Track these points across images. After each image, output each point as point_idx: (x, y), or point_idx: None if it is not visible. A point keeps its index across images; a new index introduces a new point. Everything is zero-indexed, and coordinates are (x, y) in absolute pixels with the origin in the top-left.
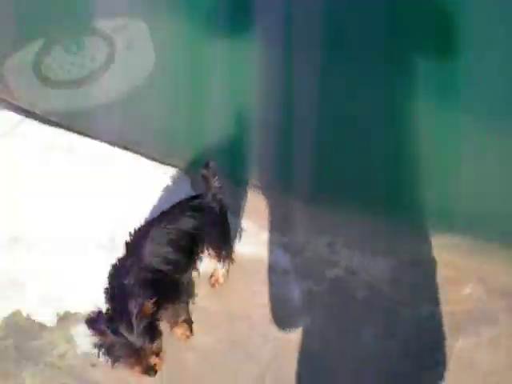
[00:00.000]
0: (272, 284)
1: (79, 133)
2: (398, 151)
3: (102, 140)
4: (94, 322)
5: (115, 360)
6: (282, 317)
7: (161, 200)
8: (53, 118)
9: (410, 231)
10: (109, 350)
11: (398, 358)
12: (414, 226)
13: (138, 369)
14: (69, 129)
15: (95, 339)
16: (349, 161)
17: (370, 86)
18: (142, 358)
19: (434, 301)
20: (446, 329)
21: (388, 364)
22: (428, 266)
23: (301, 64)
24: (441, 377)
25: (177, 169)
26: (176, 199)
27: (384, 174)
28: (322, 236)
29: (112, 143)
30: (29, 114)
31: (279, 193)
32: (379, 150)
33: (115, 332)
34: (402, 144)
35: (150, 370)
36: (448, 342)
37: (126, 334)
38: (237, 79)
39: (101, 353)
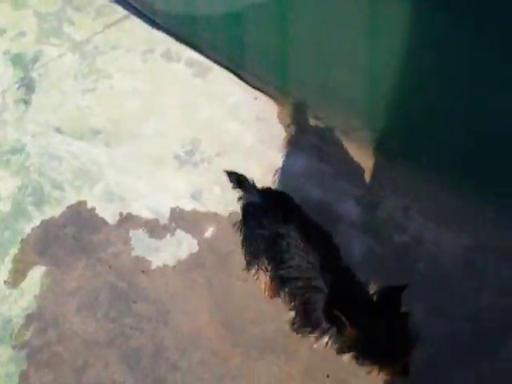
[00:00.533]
0: (336, 233)
1: (181, 40)
2: None
3: (202, 52)
4: None
5: None
6: None
7: (244, 124)
8: (158, 21)
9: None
10: None
11: (441, 341)
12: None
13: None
14: (172, 35)
15: None
16: (453, 125)
17: None
18: None
19: (498, 291)
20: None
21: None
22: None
23: None
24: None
25: (269, 97)
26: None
27: (486, 150)
28: (399, 198)
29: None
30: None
31: (365, 144)
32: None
33: None
34: None
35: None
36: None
37: None
38: None
39: None
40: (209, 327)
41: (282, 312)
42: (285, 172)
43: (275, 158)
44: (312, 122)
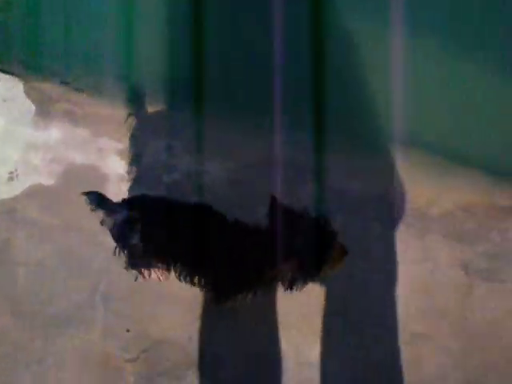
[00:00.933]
0: (107, 191)
1: None
2: None
3: None
4: None
5: None
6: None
7: None
8: None
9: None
10: None
11: None
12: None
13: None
14: None
15: None
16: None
17: None
18: None
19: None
20: None
21: None
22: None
23: None
24: None
25: (10, 75)
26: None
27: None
28: (160, 140)
29: None
30: None
31: (115, 98)
32: None
33: None
34: None
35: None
36: None
37: None
38: None
39: None
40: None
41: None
42: (42, 146)
43: (31, 136)
44: (61, 89)
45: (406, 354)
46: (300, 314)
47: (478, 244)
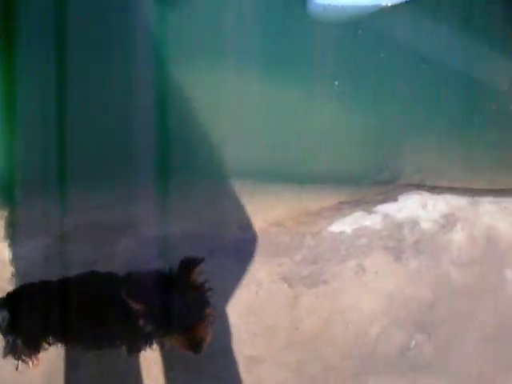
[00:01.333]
0: None
1: None
2: None
3: None
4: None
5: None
6: None
7: None
8: None
9: None
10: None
11: None
12: None
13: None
14: None
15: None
16: None
17: None
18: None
19: None
20: None
21: None
22: None
23: None
24: None
25: None
26: None
27: None
28: None
29: None
30: None
31: None
32: None
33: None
34: None
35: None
36: None
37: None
38: None
39: None
40: None
41: None
42: None
43: None
44: None
45: (249, 380)
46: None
47: (295, 253)
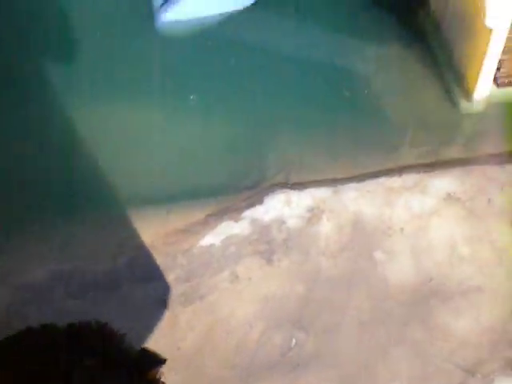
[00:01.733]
0: None
1: None
2: None
3: None
4: None
5: None
6: None
7: None
8: None
9: None
10: None
11: None
12: None
13: None
14: None
15: None
16: None
17: None
18: None
19: None
20: None
21: None
22: None
23: None
24: None
25: None
26: None
27: None
28: None
29: None
30: None
31: None
32: None
33: None
34: None
35: None
36: None
37: None
38: None
39: None
40: None
41: None
42: None
43: None
44: None
45: None
46: None
47: (169, 274)
